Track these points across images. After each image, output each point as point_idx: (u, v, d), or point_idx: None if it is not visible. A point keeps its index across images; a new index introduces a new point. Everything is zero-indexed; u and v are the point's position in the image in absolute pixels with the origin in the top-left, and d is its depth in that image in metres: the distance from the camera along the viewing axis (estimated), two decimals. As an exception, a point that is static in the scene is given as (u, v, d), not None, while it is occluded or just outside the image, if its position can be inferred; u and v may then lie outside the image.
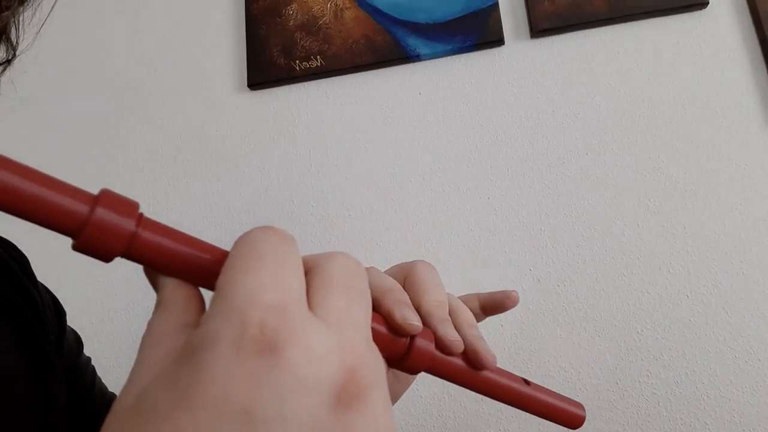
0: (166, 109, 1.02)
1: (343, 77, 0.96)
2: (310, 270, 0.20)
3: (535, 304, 0.82)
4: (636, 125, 0.85)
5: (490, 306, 0.38)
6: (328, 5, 0.97)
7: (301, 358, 0.15)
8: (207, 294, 0.21)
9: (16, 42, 0.33)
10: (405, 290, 0.31)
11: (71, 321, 0.45)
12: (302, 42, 0.96)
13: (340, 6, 0.97)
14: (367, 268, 0.31)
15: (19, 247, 0.41)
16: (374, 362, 0.18)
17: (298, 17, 0.98)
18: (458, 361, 0.29)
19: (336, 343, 0.17)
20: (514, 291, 0.37)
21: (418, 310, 0.30)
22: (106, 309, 0.93)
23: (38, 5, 0.32)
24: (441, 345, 0.29)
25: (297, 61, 0.96)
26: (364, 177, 0.92)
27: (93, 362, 0.47)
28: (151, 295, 0.21)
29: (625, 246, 0.81)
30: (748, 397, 0.74)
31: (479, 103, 0.91)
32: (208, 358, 0.15)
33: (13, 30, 0.32)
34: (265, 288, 0.17)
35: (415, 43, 0.93)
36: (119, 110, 1.03)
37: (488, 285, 0.84)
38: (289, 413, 0.15)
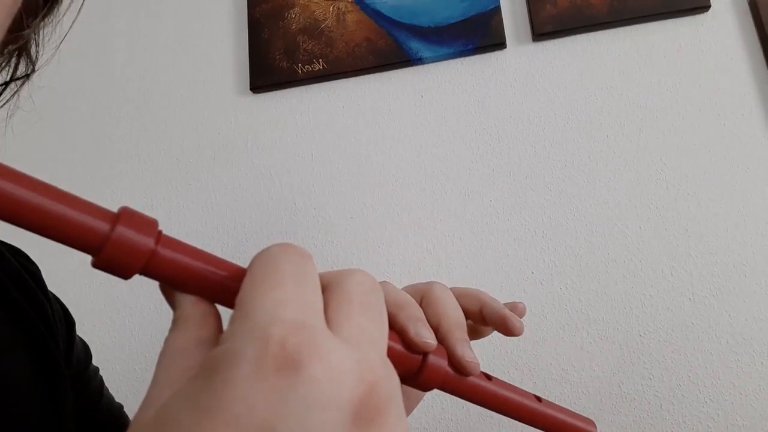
0: (168, 113, 1.02)
1: (346, 80, 0.96)
2: (327, 286, 0.20)
3: (537, 307, 0.82)
4: (638, 129, 0.85)
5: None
6: (331, 9, 0.97)
7: (322, 375, 0.16)
8: (223, 310, 0.22)
9: (36, 57, 0.33)
10: (422, 309, 0.31)
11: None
12: (304, 45, 0.96)
13: (342, 9, 0.97)
14: (381, 283, 0.31)
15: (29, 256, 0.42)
16: (391, 379, 0.18)
17: (301, 21, 0.98)
18: (470, 379, 0.29)
19: (355, 360, 0.17)
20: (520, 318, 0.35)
21: (436, 329, 0.30)
22: (111, 316, 0.93)
23: (58, 22, 0.32)
24: (457, 365, 0.29)
25: (299, 65, 0.96)
26: (366, 180, 0.92)
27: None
28: (158, 302, 0.21)
29: (628, 249, 0.81)
30: (751, 400, 0.74)
31: (481, 106, 0.91)
32: (231, 376, 0.15)
33: (33, 46, 0.32)
34: (285, 305, 0.17)
35: (417, 46, 0.93)
36: (122, 115, 1.03)
37: (490, 288, 0.84)
38: (311, 429, 0.15)
